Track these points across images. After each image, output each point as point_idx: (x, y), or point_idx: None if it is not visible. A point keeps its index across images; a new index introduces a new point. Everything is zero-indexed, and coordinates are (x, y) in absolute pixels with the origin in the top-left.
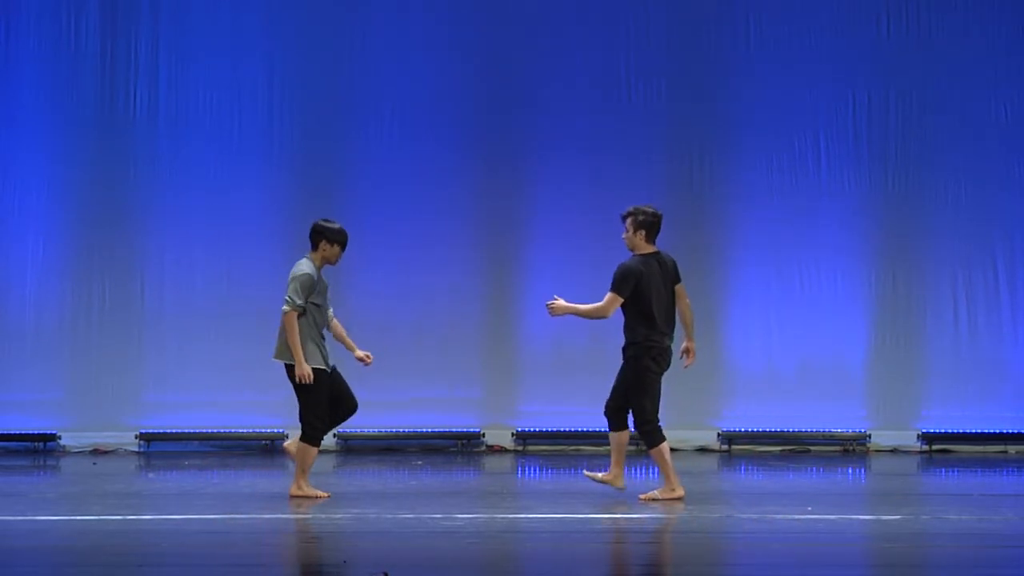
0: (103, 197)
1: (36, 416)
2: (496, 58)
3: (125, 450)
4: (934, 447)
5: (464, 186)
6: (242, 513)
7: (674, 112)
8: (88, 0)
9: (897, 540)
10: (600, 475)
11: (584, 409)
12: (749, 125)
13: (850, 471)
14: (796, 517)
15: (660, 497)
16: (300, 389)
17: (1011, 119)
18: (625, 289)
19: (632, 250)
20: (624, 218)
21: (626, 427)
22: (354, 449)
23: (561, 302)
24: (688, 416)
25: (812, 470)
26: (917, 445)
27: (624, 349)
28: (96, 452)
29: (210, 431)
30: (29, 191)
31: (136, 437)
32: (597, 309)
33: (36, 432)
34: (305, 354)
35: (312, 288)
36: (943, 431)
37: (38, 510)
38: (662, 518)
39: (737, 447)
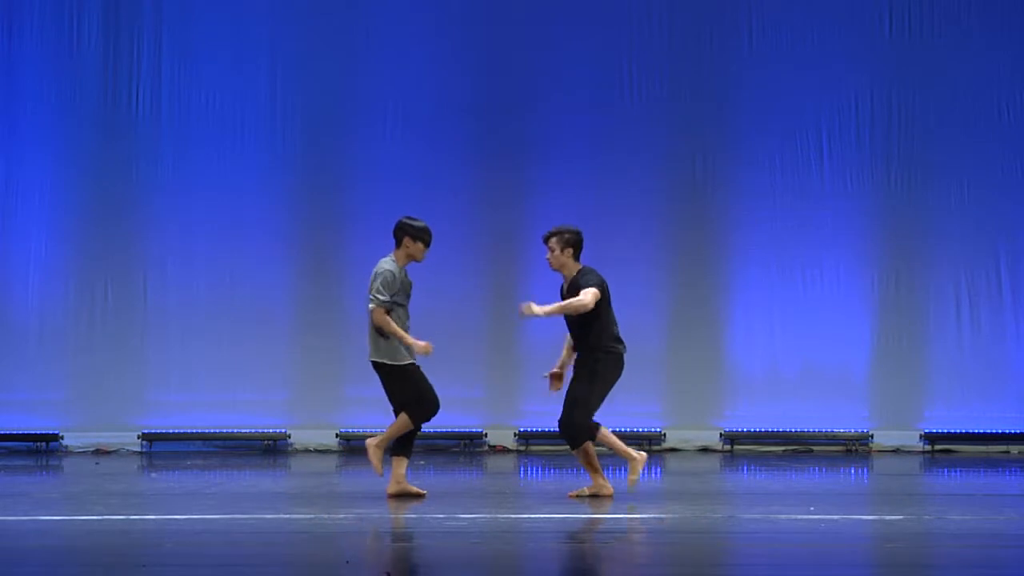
0: (106, 197)
1: (39, 416)
2: (498, 58)
3: (127, 450)
4: (936, 447)
5: (465, 186)
6: (244, 513)
7: (676, 112)
8: (90, 0)
9: (900, 540)
10: (586, 490)
11: None
12: (751, 125)
13: (853, 471)
14: (799, 517)
15: (588, 493)
16: (390, 384)
17: (1014, 121)
18: (602, 289)
19: (560, 269)
20: (548, 239)
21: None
22: (356, 449)
23: (538, 307)
24: (691, 416)
25: (814, 470)
26: (920, 445)
27: (588, 356)
28: (98, 452)
29: (212, 431)
30: (32, 191)
31: (138, 437)
32: (580, 302)
33: (39, 432)
34: (392, 351)
35: (395, 285)
36: (946, 431)
37: (41, 510)
38: (665, 518)
39: (740, 447)
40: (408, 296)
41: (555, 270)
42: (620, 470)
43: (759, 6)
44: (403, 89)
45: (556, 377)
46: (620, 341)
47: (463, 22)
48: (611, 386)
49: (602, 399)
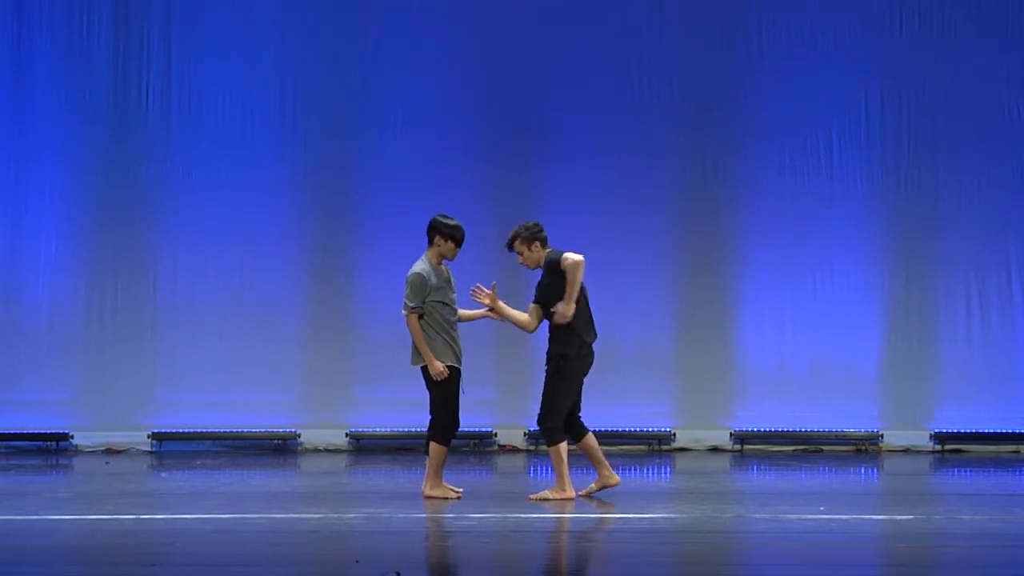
0: (115, 196)
1: (49, 416)
2: (508, 59)
3: (137, 449)
4: (946, 447)
5: (475, 186)
6: (254, 513)
7: (686, 112)
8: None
9: (910, 540)
10: (592, 486)
11: (595, 408)
12: (761, 125)
13: (862, 471)
14: (808, 517)
15: (552, 497)
16: (432, 387)
17: None
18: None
19: (537, 265)
20: (511, 244)
21: (586, 430)
22: (366, 449)
23: (563, 307)
24: (701, 416)
25: (824, 470)
26: (929, 445)
27: (555, 351)
28: (109, 451)
29: (222, 431)
30: (42, 190)
31: (148, 436)
32: (573, 263)
33: (49, 432)
34: (435, 352)
35: (426, 287)
36: (956, 431)
37: (51, 509)
38: (673, 518)
39: (749, 447)
40: (449, 292)
41: (534, 268)
42: (629, 469)
43: (769, 6)
44: (414, 89)
45: (489, 296)
46: (589, 333)
47: (474, 22)
48: (577, 380)
49: (568, 394)
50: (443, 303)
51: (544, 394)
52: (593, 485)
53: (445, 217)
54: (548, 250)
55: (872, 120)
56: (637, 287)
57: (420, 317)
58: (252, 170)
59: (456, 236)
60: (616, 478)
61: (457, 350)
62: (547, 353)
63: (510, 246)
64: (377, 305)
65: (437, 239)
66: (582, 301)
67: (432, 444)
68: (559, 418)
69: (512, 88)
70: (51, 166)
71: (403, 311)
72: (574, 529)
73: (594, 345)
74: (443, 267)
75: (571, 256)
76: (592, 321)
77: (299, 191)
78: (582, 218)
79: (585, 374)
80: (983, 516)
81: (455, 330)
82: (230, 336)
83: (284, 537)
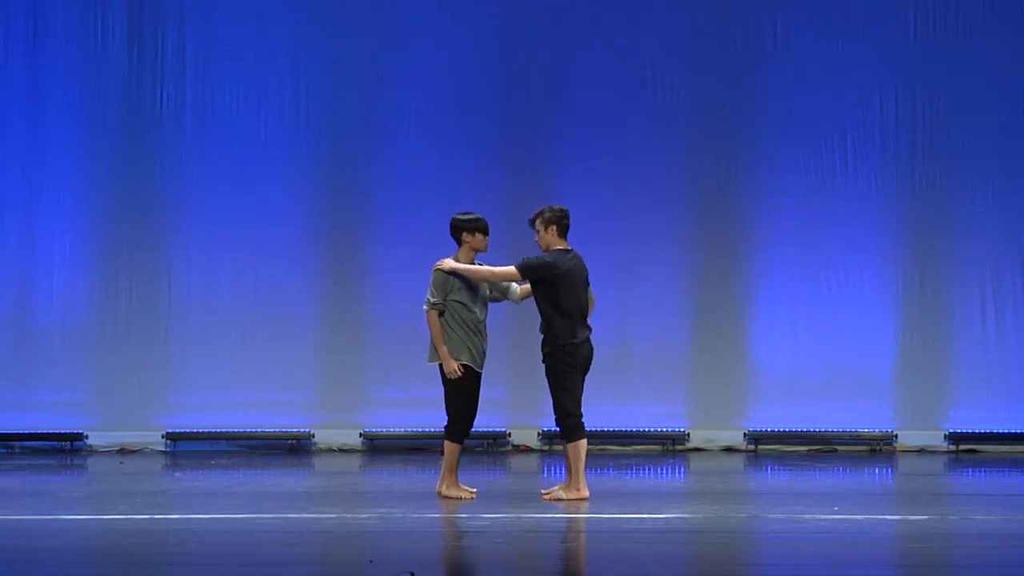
0: (130, 195)
1: (63, 416)
2: (522, 58)
3: (152, 449)
4: (961, 447)
5: (488, 186)
6: (268, 513)
7: (700, 113)
8: (115, 0)
9: (924, 540)
10: (559, 490)
11: (609, 409)
12: (776, 126)
13: (877, 471)
14: (823, 517)
15: (566, 497)
16: (447, 385)
17: None
18: (528, 272)
19: (546, 249)
20: (533, 221)
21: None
22: (380, 448)
23: (449, 261)
24: (715, 416)
25: (839, 470)
26: (944, 445)
27: (544, 351)
28: (123, 451)
29: (236, 430)
30: (56, 189)
31: (163, 436)
32: (494, 272)
33: (63, 432)
34: (450, 349)
35: (448, 284)
36: (970, 431)
37: (65, 509)
38: (687, 518)
39: (764, 447)
40: (477, 291)
41: (544, 250)
42: (643, 470)
43: (784, 6)
44: (427, 89)
45: None
46: (572, 328)
47: (487, 22)
48: (570, 373)
49: (568, 389)
50: (464, 303)
51: (552, 394)
52: (558, 489)
53: (462, 213)
54: (561, 246)
55: (887, 121)
56: (651, 287)
57: (441, 315)
58: (265, 170)
59: (479, 226)
60: (587, 492)
61: (475, 351)
62: (542, 350)
63: (532, 222)
64: (390, 305)
65: (464, 236)
66: (568, 302)
67: (446, 442)
68: (576, 411)
69: (525, 88)
70: (65, 166)
71: (424, 307)
72: (588, 529)
73: (608, 346)
74: (476, 266)
75: (497, 268)
76: (581, 321)
77: (313, 191)
78: (595, 218)
79: (584, 367)
80: (998, 516)
81: (478, 332)
82: (244, 336)
83: (298, 537)
